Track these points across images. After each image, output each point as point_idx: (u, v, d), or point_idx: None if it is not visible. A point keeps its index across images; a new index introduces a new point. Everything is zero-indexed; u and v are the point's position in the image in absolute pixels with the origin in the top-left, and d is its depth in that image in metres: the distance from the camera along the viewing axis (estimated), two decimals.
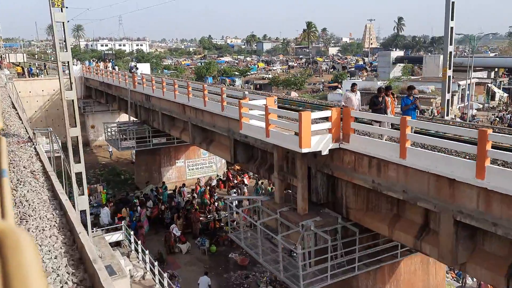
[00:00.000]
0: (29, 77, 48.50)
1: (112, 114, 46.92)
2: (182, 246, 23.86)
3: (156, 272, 17.12)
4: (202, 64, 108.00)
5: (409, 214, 11.99)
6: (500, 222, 8.90)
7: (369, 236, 14.24)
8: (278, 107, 16.26)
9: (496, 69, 79.70)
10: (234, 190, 30.12)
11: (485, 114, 55.27)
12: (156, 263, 17.39)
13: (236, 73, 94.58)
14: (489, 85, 63.31)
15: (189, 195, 31.24)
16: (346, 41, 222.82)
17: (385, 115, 12.48)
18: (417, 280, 15.93)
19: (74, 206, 11.65)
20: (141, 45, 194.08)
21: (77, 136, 12.00)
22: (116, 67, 51.84)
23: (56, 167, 13.31)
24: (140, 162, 35.25)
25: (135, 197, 29.87)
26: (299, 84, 79.35)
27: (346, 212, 13.88)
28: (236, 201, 28.86)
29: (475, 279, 20.22)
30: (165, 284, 16.90)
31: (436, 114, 47.75)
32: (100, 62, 52.23)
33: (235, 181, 33.67)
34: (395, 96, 13.95)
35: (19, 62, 58.50)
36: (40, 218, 6.72)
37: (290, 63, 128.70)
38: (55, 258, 5.53)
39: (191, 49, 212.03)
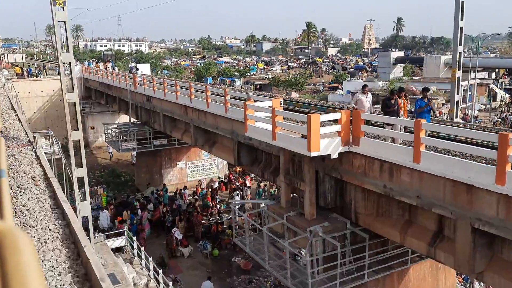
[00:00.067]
0: (28, 77, 48.06)
1: (112, 115, 46.53)
2: (184, 250, 23.46)
3: (161, 280, 16.70)
4: (202, 64, 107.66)
5: (421, 220, 11.61)
6: None
7: (378, 242, 13.87)
8: (283, 108, 15.90)
9: (497, 70, 79.41)
10: (237, 192, 29.66)
11: (487, 115, 54.91)
12: (160, 271, 16.95)
13: (236, 73, 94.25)
14: (491, 86, 62.96)
15: (191, 197, 30.86)
16: (345, 42, 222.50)
17: (398, 117, 12.08)
18: (426, 286, 15.56)
19: (76, 212, 11.26)
20: (140, 45, 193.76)
21: (79, 140, 11.59)
22: (116, 68, 51.45)
23: (56, 169, 12.94)
24: (141, 164, 34.84)
25: (135, 200, 29.44)
26: (300, 85, 79.03)
27: (355, 217, 13.50)
28: (239, 206, 28.61)
29: (483, 284, 19.84)
30: None
31: (438, 115, 47.39)
32: (99, 63, 51.82)
33: (237, 183, 33.25)
34: (408, 98, 13.57)
35: (18, 63, 58.05)
36: (42, 229, 6.33)
37: (289, 64, 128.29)
38: (58, 274, 5.14)
39: (190, 49, 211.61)
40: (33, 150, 11.09)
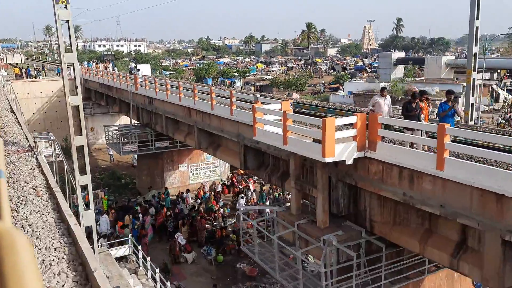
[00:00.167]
0: (27, 78, 47.42)
1: (112, 116, 45.94)
2: (188, 256, 22.86)
3: None
4: (201, 65, 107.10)
5: (443, 230, 11.02)
6: None
7: (393, 251, 13.29)
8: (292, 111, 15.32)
9: (498, 71, 78.94)
10: (242, 195, 29.01)
11: (490, 116, 54.37)
12: (168, 284, 16.30)
13: (236, 74, 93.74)
14: (494, 86, 62.46)
15: (193, 201, 30.25)
16: (344, 42, 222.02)
17: (419, 121, 11.49)
18: None
19: (79, 221, 10.66)
20: (139, 46, 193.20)
21: (82, 145, 10.99)
22: (116, 68, 50.86)
23: (58, 170, 12.35)
24: (142, 166, 34.22)
25: (137, 204, 28.79)
26: (300, 86, 78.49)
27: (370, 226, 12.92)
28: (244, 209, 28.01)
29: None
30: None
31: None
32: (99, 63, 51.21)
33: (240, 186, 32.64)
34: (430, 101, 12.99)
35: (17, 63, 57.39)
36: (46, 248, 5.74)
37: (289, 64, 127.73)
38: None
39: (189, 50, 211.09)
40: (34, 156, 10.50)
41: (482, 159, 10.88)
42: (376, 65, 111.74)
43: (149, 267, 16.01)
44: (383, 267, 12.70)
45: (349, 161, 11.83)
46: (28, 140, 12.13)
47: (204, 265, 22.86)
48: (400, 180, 11.10)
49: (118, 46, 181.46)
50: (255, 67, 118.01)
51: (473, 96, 16.22)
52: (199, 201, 30.05)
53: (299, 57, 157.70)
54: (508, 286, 9.21)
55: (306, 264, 19.89)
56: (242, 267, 22.32)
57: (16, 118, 16.90)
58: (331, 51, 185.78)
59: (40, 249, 5.69)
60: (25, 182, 8.39)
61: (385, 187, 11.57)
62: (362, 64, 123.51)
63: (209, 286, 19.99)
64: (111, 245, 21.92)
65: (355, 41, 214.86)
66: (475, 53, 16.21)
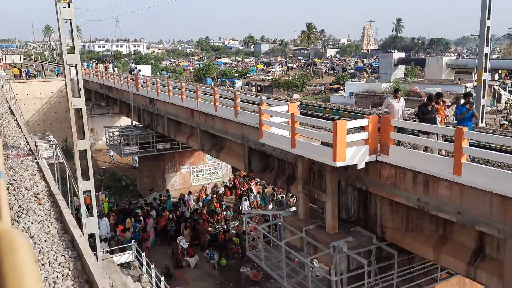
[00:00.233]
0: (26, 79, 46.99)
1: (112, 117, 45.54)
2: (190, 260, 22.44)
3: None
4: (201, 65, 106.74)
5: (458, 237, 10.64)
6: None
7: (404, 258, 12.91)
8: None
9: (499, 71, 78.59)
10: (245, 198, 28.59)
11: (492, 117, 54.00)
12: None
13: (236, 74, 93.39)
14: (496, 87, 62.12)
15: (195, 203, 29.83)
16: (344, 43, 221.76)
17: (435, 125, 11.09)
18: None
19: (81, 227, 10.26)
20: (138, 46, 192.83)
21: (85, 150, 10.59)
22: (116, 69, 50.49)
23: (59, 171, 11.95)
24: (143, 168, 33.79)
25: (138, 207, 28.35)
26: (301, 86, 78.13)
27: (381, 232, 12.54)
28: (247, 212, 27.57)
29: None
30: None
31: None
32: (99, 64, 50.79)
33: (242, 189, 32.23)
34: (446, 104, 12.59)
35: (16, 64, 56.92)
36: (49, 263, 5.34)
37: (289, 65, 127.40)
38: None
39: (188, 50, 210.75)
40: (35, 160, 10.10)
41: (499, 163, 10.51)
42: (376, 65, 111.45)
43: (153, 274, 15.58)
44: (395, 274, 12.32)
45: (361, 165, 11.46)
46: (28, 144, 11.74)
47: (207, 269, 22.45)
48: (414, 185, 10.72)
49: (117, 46, 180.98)
50: (255, 67, 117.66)
51: (484, 97, 15.87)
52: (201, 203, 29.63)
53: (299, 58, 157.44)
54: None
55: (311, 268, 19.56)
56: (246, 272, 21.91)
57: (16, 120, 16.48)
58: (331, 52, 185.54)
59: (43, 264, 5.30)
60: (26, 189, 7.99)
61: (398, 192, 11.19)
62: (362, 65, 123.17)
63: None
64: (112, 250, 21.55)
65: (355, 42, 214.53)
66: (486, 54, 15.84)
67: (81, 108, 10.41)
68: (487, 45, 15.72)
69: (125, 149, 29.14)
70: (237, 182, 33.45)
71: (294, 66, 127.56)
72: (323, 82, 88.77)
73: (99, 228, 23.86)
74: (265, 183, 32.12)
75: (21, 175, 8.83)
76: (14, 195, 7.57)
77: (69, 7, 9.66)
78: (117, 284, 11.16)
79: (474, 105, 11.51)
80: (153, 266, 15.80)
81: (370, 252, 12.60)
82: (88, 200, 15.01)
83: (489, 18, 15.30)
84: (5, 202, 1.44)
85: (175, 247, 22.82)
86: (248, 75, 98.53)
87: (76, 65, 10.40)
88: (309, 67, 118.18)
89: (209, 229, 24.85)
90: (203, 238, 24.25)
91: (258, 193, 30.88)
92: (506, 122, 49.32)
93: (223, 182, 34.21)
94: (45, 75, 50.84)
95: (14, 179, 8.48)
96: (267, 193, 31.22)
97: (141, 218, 25.87)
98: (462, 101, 11.76)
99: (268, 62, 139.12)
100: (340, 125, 10.90)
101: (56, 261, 5.43)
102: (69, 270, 5.22)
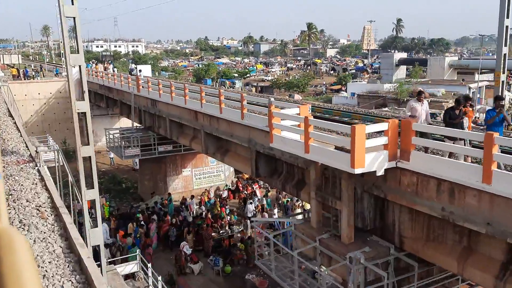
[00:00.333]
0: (24, 79, 46.31)
1: (112, 119, 44.88)
2: (194, 266, 21.80)
3: None
4: (200, 65, 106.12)
5: (485, 248, 10.01)
6: None
7: (424, 270, 12.31)
8: None
9: None
10: (250, 201, 27.93)
11: None
12: None
13: (236, 75, 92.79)
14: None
15: (197, 207, 29.16)
16: (343, 43, 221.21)
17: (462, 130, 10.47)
18: None
19: (84, 239, 9.63)
20: (137, 46, 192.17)
21: (90, 157, 9.95)
22: (115, 69, 49.85)
23: (61, 183, 11.30)
24: (144, 171, 33.13)
25: (139, 211, 27.66)
26: (302, 87, 77.54)
27: (400, 241, 11.92)
28: (252, 216, 26.93)
29: None
30: None
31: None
32: (99, 64, 50.13)
33: (246, 192, 31.56)
34: (474, 107, 11.97)
35: (14, 64, 56.24)
36: None
37: (288, 65, 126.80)
38: None
39: (187, 50, 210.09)
40: (36, 168, 9.46)
41: None
42: (377, 65, 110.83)
43: (160, 287, 14.90)
44: (415, 287, 11.70)
45: (380, 172, 10.85)
46: (28, 149, 11.10)
47: (211, 276, 21.82)
48: (439, 193, 10.10)
49: (115, 46, 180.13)
50: (255, 67, 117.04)
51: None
52: (203, 207, 28.97)
53: (298, 58, 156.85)
54: None
55: (319, 276, 18.96)
56: (252, 279, 21.26)
57: (15, 122, 15.80)
58: (331, 52, 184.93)
59: None
60: (27, 201, 7.36)
61: (420, 200, 10.57)
62: (362, 65, 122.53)
63: None
64: (113, 256, 20.92)
65: (354, 42, 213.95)
66: (505, 54, 15.24)
67: (85, 112, 9.78)
68: (505, 45, 15.13)
69: (126, 152, 28.47)
70: (240, 185, 32.79)
71: (294, 66, 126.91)
72: (324, 83, 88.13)
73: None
74: (268, 186, 31.52)
75: (22, 185, 8.19)
76: (14, 208, 6.94)
77: (72, 4, 9.05)
78: None
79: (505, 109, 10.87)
80: (160, 278, 15.14)
81: (387, 263, 11.99)
82: (88, 204, 14.39)
83: (508, 17, 14.69)
84: (3, 203, 1.38)
85: (178, 253, 22.18)
86: (248, 75, 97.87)
87: (80, 66, 9.78)
88: (309, 67, 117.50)
89: (213, 234, 24.21)
90: (207, 243, 23.61)
91: (264, 196, 30.22)
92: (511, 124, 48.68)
93: (226, 185, 33.56)
94: (43, 76, 50.16)
95: (14, 189, 7.85)
96: (270, 197, 30.58)
97: (143, 223, 25.21)
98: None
99: (268, 62, 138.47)
100: (359, 130, 10.30)
101: None
102: None
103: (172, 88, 23.79)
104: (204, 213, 27.50)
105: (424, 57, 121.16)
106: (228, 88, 71.66)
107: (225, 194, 31.57)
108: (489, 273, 9.69)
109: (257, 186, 32.25)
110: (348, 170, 10.72)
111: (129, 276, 16.27)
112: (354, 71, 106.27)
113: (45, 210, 7.06)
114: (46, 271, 5.15)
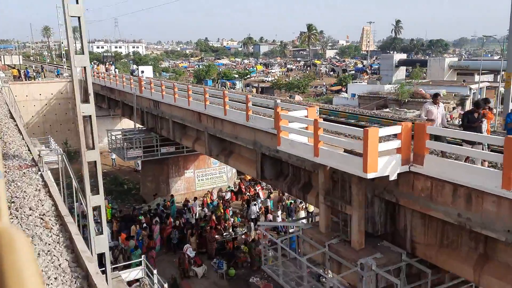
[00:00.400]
0: (25, 80, 45.97)
1: (113, 119, 44.53)
2: (198, 270, 21.48)
3: None
4: (201, 66, 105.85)
5: (503, 256, 9.69)
6: None
7: (437, 277, 11.97)
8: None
9: (502, 72, 77.72)
10: (254, 203, 27.58)
11: (498, 120, 53.09)
12: None
13: (236, 76, 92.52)
14: (501, 89, 61.24)
15: (200, 209, 28.82)
16: (342, 44, 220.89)
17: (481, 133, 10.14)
18: None
19: (88, 245, 9.30)
20: (137, 47, 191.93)
21: (95, 161, 9.63)
22: (117, 70, 49.56)
23: (65, 190, 10.96)
24: (147, 172, 32.80)
25: (141, 213, 27.33)
26: (302, 88, 77.25)
27: (411, 247, 11.60)
28: (255, 217, 26.61)
29: None
30: None
31: (449, 119, 45.70)
32: (100, 65, 49.83)
33: (248, 193, 31.21)
34: (492, 110, 11.64)
35: (15, 64, 55.88)
36: None
37: (288, 66, 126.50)
38: None
39: (187, 51, 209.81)
40: (39, 173, 9.13)
41: None
42: (376, 66, 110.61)
43: None
44: None
45: (393, 177, 10.54)
46: (31, 152, 10.77)
47: (215, 279, 21.49)
48: (455, 199, 9.78)
49: (116, 47, 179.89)
50: (255, 68, 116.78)
51: None
52: (206, 209, 28.63)
53: (298, 59, 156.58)
54: None
55: (324, 280, 18.65)
56: (256, 282, 20.97)
57: (17, 125, 15.45)
58: (330, 53, 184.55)
59: None
60: (30, 209, 7.03)
61: (434, 206, 10.25)
62: (362, 66, 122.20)
63: None
64: (115, 258, 20.62)
65: (353, 43, 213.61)
66: None
67: (90, 116, 9.46)
68: None
69: (128, 153, 28.15)
70: (243, 186, 32.45)
71: (294, 67, 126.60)
72: (324, 84, 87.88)
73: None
74: (271, 188, 31.19)
75: (24, 191, 7.87)
76: (17, 217, 6.62)
77: (77, 3, 8.73)
78: None
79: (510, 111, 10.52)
80: (166, 286, 14.80)
81: (399, 270, 11.68)
82: None
83: None
84: (3, 202, 1.34)
85: (182, 256, 21.85)
86: (249, 76, 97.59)
87: (85, 68, 9.46)
88: (309, 68, 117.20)
89: (216, 236, 23.88)
90: (211, 246, 23.29)
91: (269, 197, 29.88)
92: None
93: (229, 187, 33.23)
94: (44, 76, 49.83)
95: (16, 197, 7.52)
96: (272, 199, 30.22)
97: (145, 225, 24.87)
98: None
99: (268, 63, 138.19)
100: (372, 133, 9.98)
101: None
102: None
103: (175, 90, 23.48)
104: (207, 215, 27.16)
105: (423, 58, 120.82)
106: (229, 88, 71.43)
107: (228, 195, 31.20)
108: (507, 282, 9.37)
109: (259, 187, 31.92)
110: (360, 175, 10.41)
111: (133, 281, 15.94)
112: (353, 72, 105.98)
113: (49, 219, 6.73)
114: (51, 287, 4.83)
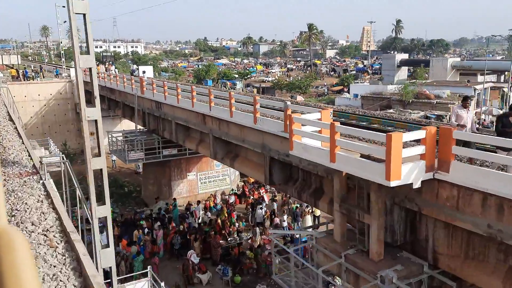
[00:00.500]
0: (24, 80, 45.27)
1: (113, 120, 43.85)
2: (202, 277, 20.84)
3: None
4: (200, 66, 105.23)
5: None
6: None
7: None
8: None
9: (505, 73, 77.22)
10: (260, 206, 26.91)
11: None
12: None
13: (236, 76, 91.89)
14: (505, 89, 60.75)
15: (202, 212, 28.16)
16: (342, 44, 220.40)
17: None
18: None
19: (93, 258, 8.68)
20: (136, 47, 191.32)
21: (101, 169, 9.00)
22: (116, 70, 48.91)
23: (69, 201, 10.31)
24: (148, 175, 32.13)
25: (143, 218, 26.65)
26: (304, 88, 76.64)
27: (433, 258, 10.98)
28: (261, 222, 25.98)
29: None
30: None
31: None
32: (100, 65, 49.16)
33: (252, 196, 30.54)
34: None
35: (13, 64, 55.18)
36: None
37: (288, 66, 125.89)
38: None
39: (186, 51, 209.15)
40: (41, 181, 8.50)
41: None
42: (377, 66, 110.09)
43: None
44: None
45: (417, 185, 9.92)
46: (31, 158, 10.13)
47: (220, 286, 20.86)
48: (484, 209, 9.17)
49: (115, 47, 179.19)
50: (255, 68, 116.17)
51: None
52: (209, 213, 27.97)
53: (298, 59, 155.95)
54: None
55: (333, 287, 18.05)
56: None
57: (16, 128, 14.80)
58: (330, 53, 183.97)
59: None
60: (32, 224, 6.39)
61: (461, 216, 9.63)
62: (363, 66, 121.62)
63: None
64: (117, 265, 19.95)
65: (354, 43, 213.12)
66: None
67: (96, 120, 8.83)
68: None
69: (130, 155, 27.49)
70: (247, 189, 31.79)
71: (294, 67, 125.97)
72: (325, 84, 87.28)
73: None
74: (275, 191, 30.57)
75: (26, 203, 7.22)
76: None
77: None
78: None
79: None
80: None
81: (420, 282, 11.06)
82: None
83: None
84: (2, 202, 1.29)
85: (186, 263, 21.20)
86: (249, 76, 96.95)
87: (90, 69, 8.83)
88: (309, 68, 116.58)
89: (221, 242, 23.24)
90: (215, 252, 22.64)
91: (274, 201, 29.21)
92: None
93: (232, 190, 32.57)
94: (43, 77, 49.14)
95: (17, 209, 6.88)
96: (276, 202, 29.57)
97: (147, 230, 24.20)
98: None
99: (268, 63, 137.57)
100: (395, 138, 9.37)
101: None
102: None
103: (178, 90, 22.84)
104: (212, 220, 26.49)
105: (423, 58, 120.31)
106: (229, 89, 70.80)
107: (232, 199, 30.52)
108: None
109: (263, 190, 31.28)
110: (382, 183, 9.78)
111: None
112: (355, 72, 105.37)
113: (54, 236, 6.10)
114: None
